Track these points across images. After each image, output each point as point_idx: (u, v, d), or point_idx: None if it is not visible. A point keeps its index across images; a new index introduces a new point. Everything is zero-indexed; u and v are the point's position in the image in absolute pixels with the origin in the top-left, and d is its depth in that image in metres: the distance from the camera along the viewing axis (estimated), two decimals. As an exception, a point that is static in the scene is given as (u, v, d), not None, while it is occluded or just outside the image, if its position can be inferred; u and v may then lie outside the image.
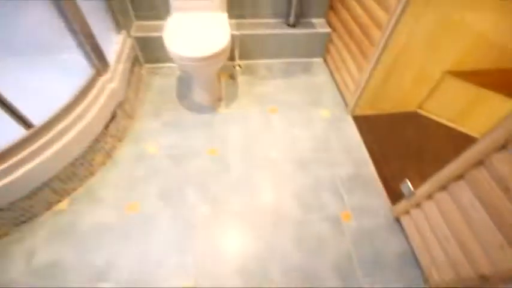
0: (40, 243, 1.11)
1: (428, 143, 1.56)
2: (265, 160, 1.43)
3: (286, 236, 1.18)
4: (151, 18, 1.77)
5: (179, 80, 1.82)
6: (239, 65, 1.79)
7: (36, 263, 1.07)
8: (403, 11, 1.14)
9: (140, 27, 1.76)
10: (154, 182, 1.32)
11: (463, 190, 0.86)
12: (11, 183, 0.98)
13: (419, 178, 1.06)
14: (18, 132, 0.98)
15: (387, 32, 1.23)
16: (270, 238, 1.17)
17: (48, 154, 1.05)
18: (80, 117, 1.14)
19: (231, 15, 1.74)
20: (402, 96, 1.60)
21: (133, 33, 1.70)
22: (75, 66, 1.22)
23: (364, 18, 1.44)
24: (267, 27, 1.85)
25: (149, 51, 1.81)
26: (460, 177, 0.87)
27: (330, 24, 1.91)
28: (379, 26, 1.31)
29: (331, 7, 1.87)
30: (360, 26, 1.49)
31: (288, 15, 1.85)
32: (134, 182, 1.31)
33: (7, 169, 0.96)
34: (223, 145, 1.47)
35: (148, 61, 1.88)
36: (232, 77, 1.83)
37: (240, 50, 1.86)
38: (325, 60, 2.04)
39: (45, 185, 1.12)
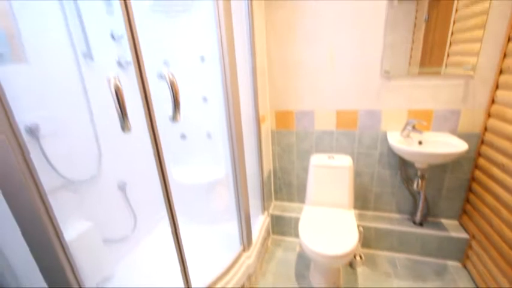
0: None
1: None
2: None
3: None
4: (286, 200, 2.23)
5: (299, 256, 1.96)
6: (360, 256, 1.81)
7: None
8: None
9: (277, 206, 2.21)
10: None
11: None
12: None
13: None
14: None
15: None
16: None
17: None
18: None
19: (355, 206, 1.95)
20: None
21: (271, 211, 2.13)
22: (228, 240, 1.59)
23: (516, 243, 1.31)
24: (391, 222, 1.92)
25: (279, 226, 2.15)
26: None
27: (465, 228, 1.79)
28: (541, 260, 1.15)
29: (465, 211, 1.82)
30: (512, 248, 1.34)
31: (413, 214, 1.90)
32: None
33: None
34: None
35: (274, 232, 2.19)
36: (351, 265, 1.82)
37: (362, 239, 1.92)
38: (464, 266, 1.78)
39: None
